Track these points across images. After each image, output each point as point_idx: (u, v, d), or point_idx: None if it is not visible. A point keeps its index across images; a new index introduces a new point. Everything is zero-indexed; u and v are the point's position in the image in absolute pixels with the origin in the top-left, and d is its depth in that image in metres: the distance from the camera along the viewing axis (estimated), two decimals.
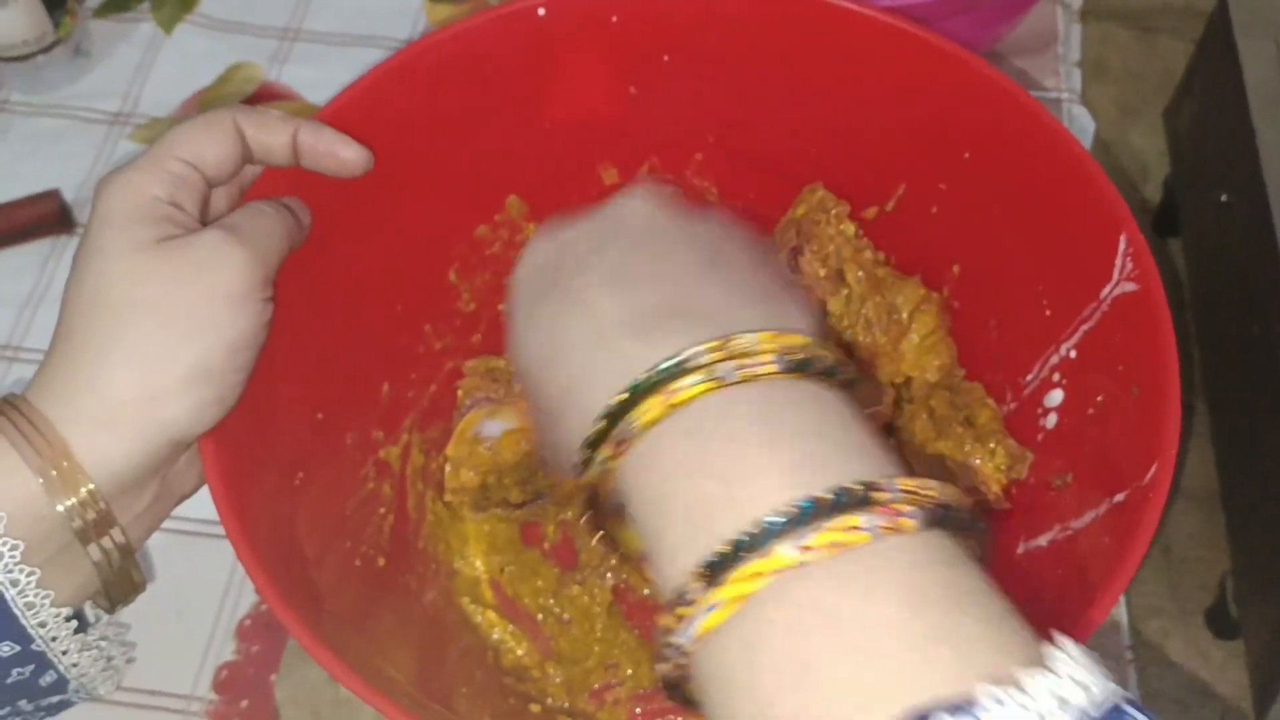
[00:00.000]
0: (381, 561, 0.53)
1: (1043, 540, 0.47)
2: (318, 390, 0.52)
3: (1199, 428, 0.64)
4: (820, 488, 0.30)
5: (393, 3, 0.81)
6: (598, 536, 0.45)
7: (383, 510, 0.55)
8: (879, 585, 0.29)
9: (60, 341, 0.43)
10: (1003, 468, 0.51)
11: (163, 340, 0.42)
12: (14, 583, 0.41)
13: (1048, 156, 0.48)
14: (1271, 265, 0.54)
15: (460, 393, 0.59)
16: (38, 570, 0.41)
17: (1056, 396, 0.50)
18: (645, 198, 0.42)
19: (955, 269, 0.56)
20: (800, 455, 0.32)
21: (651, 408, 0.34)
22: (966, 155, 0.52)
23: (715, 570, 0.30)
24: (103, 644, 0.45)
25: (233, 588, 0.61)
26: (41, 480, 0.41)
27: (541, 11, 0.52)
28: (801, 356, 0.34)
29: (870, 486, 0.30)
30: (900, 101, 0.53)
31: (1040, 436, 0.51)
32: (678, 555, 0.32)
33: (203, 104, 0.77)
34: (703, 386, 0.33)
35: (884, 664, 0.28)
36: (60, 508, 0.41)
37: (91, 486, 0.41)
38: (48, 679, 0.43)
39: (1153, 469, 0.40)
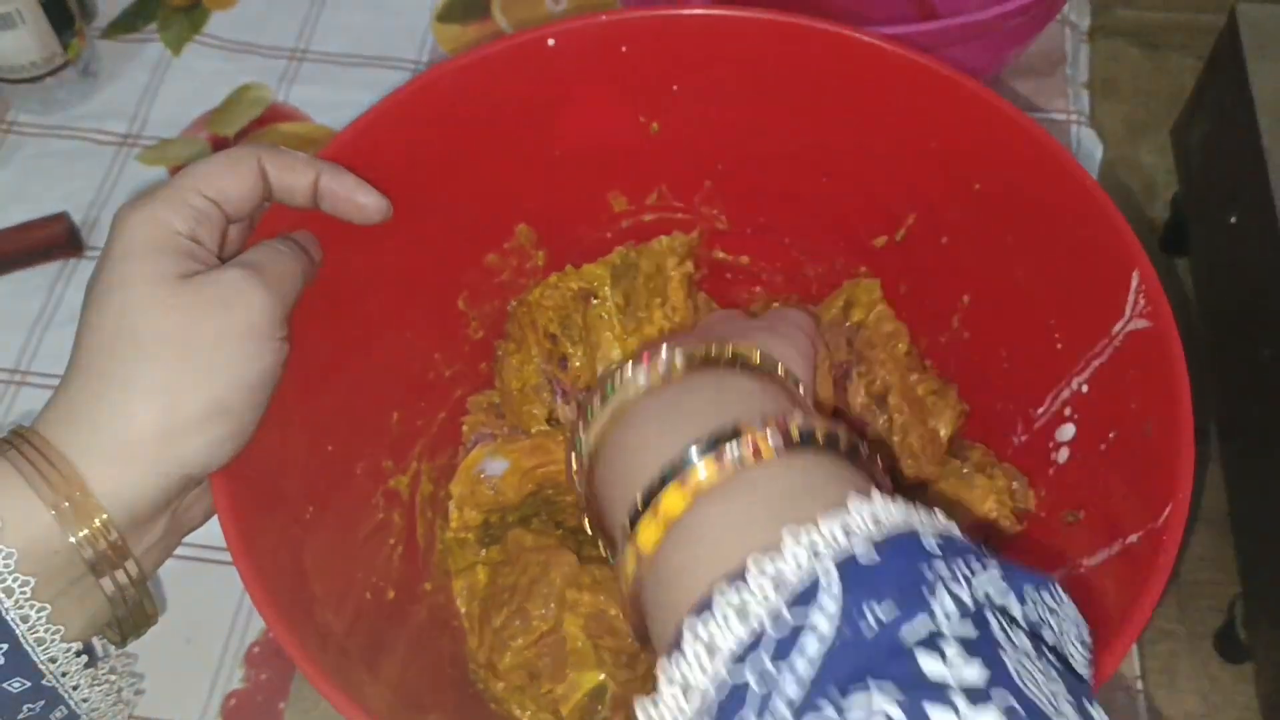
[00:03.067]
0: (391, 594, 0.53)
1: (1055, 577, 0.47)
2: (328, 421, 0.52)
3: (1209, 451, 0.64)
4: (697, 438, 0.37)
5: (400, 23, 0.81)
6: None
7: (392, 541, 0.55)
8: (745, 503, 0.36)
9: (77, 372, 0.43)
10: (1001, 487, 0.52)
11: (183, 376, 0.42)
12: (24, 619, 0.40)
13: (1059, 189, 0.48)
14: None
15: (465, 428, 0.59)
16: (48, 606, 0.41)
17: (1068, 431, 0.49)
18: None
19: (965, 299, 0.56)
20: (689, 426, 0.39)
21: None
22: (977, 186, 0.52)
23: (633, 528, 0.37)
24: (113, 677, 0.45)
25: (241, 614, 0.61)
26: (54, 512, 0.40)
27: (551, 41, 0.52)
28: (703, 354, 0.43)
29: (736, 430, 0.37)
30: (908, 130, 0.53)
31: (1051, 471, 0.50)
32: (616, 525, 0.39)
33: (211, 125, 0.77)
34: (621, 399, 0.42)
35: (731, 545, 0.34)
36: (72, 539, 0.41)
37: (105, 517, 0.41)
38: (58, 714, 0.43)
39: (1166, 511, 0.40)
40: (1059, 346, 0.50)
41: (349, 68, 0.80)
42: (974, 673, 0.29)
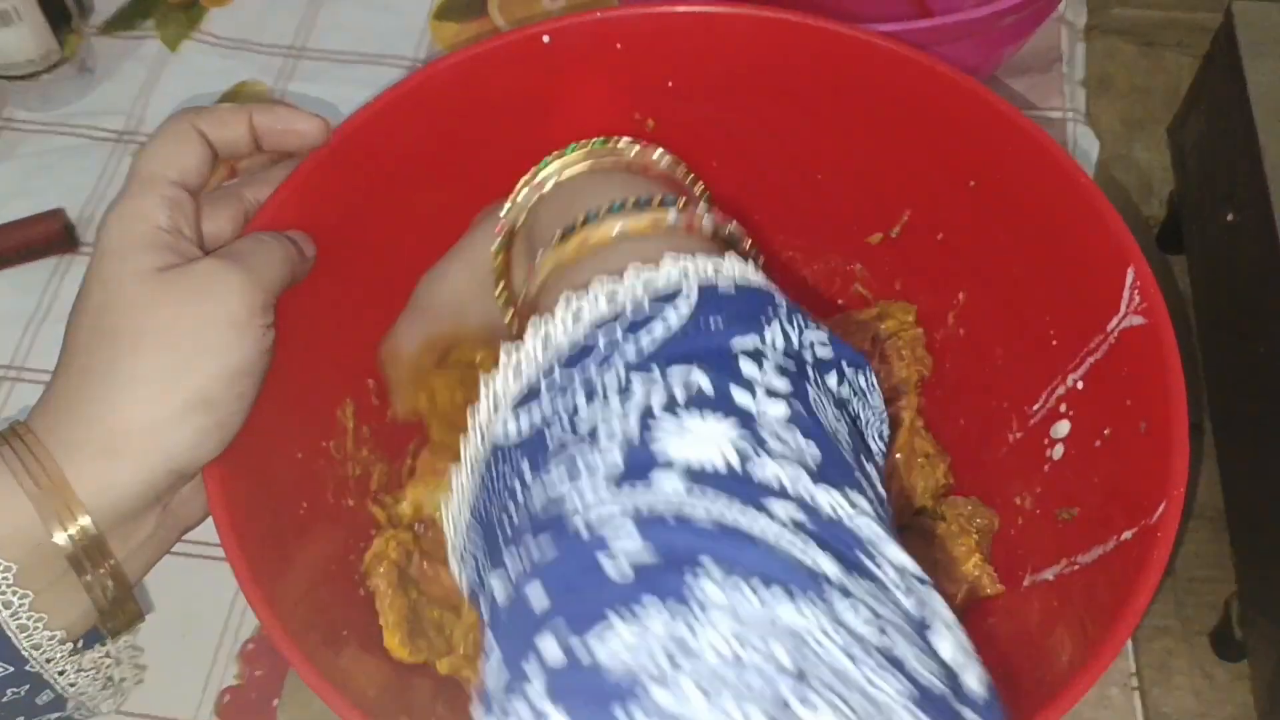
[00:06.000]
0: None
1: (1049, 574, 0.47)
2: (324, 419, 0.52)
3: (1205, 447, 0.64)
4: (647, 195, 0.43)
5: (398, 21, 0.81)
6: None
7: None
8: (663, 247, 0.40)
9: (63, 369, 0.43)
10: (982, 549, 0.52)
11: (164, 368, 0.42)
12: (6, 604, 0.41)
13: (1054, 186, 0.48)
14: (1278, 284, 0.54)
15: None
16: (30, 593, 0.41)
17: (1063, 428, 0.49)
18: None
19: (961, 296, 0.56)
20: (643, 189, 0.45)
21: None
22: (972, 183, 0.52)
23: (562, 239, 0.43)
24: (105, 662, 0.45)
25: (236, 611, 0.61)
26: (39, 512, 0.41)
27: (546, 38, 0.52)
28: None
29: (684, 204, 0.43)
30: (903, 127, 0.53)
31: (1046, 467, 0.50)
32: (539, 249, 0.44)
33: None
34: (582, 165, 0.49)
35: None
36: (55, 538, 0.41)
37: (87, 520, 0.41)
38: (44, 698, 0.44)
39: (1161, 508, 0.40)
40: (1054, 343, 0.50)
41: (347, 65, 0.80)
42: (780, 383, 0.35)
